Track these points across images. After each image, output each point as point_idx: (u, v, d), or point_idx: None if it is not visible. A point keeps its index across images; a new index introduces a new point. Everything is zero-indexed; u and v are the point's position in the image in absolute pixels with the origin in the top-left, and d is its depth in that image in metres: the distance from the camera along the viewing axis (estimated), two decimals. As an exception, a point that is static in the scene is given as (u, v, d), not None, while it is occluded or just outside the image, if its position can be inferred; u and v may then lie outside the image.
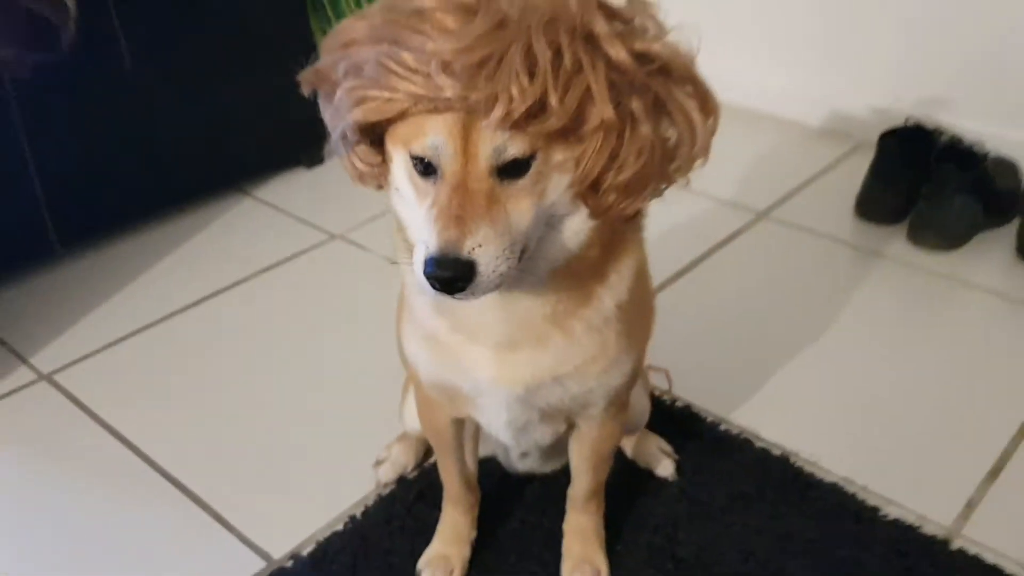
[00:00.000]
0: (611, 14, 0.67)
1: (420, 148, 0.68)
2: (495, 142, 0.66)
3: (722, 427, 1.28)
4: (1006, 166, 1.80)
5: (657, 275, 1.59)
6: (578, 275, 0.79)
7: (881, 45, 1.99)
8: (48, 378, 1.42)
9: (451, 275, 0.67)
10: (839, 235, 1.75)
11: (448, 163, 0.68)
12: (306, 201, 1.88)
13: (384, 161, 0.74)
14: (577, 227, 0.74)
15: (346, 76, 0.68)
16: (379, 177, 0.76)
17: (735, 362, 1.43)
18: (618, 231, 0.79)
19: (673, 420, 1.27)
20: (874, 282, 1.62)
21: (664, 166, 0.72)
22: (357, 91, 0.68)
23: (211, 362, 1.46)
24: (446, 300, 0.73)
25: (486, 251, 0.67)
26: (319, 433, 1.31)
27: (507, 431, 0.93)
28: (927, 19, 1.91)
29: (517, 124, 0.65)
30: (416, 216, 0.71)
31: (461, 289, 0.68)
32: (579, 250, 0.76)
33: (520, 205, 0.69)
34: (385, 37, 0.66)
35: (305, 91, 0.75)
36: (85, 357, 1.46)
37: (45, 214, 1.59)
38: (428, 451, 1.23)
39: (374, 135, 0.72)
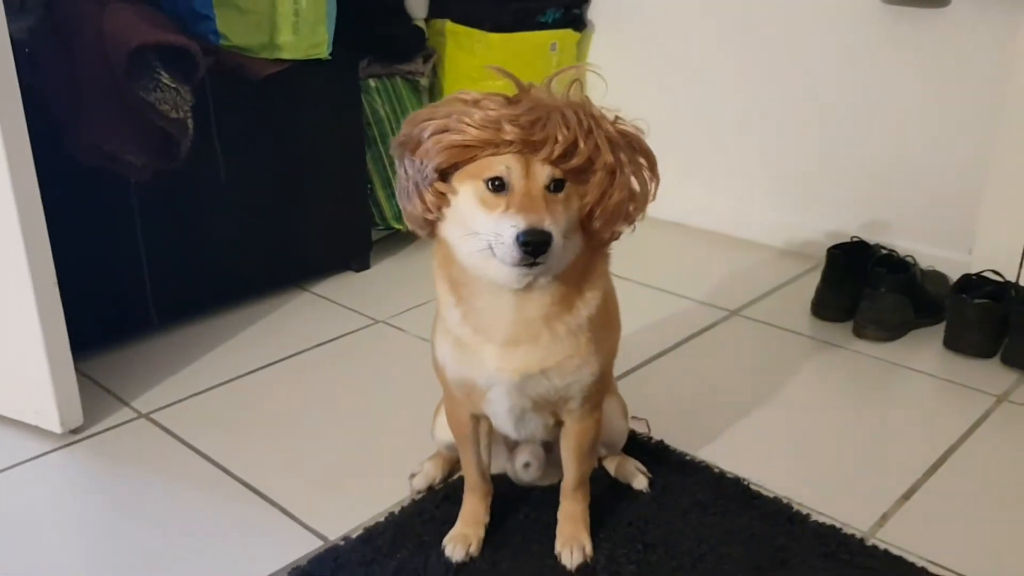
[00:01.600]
0: (598, 108, 1.10)
1: (496, 172, 1.07)
2: (546, 169, 1.06)
3: (688, 457, 1.59)
4: (937, 276, 2.17)
5: (646, 351, 1.97)
6: (566, 285, 1.16)
7: (836, 186, 2.41)
8: (146, 416, 1.76)
9: (540, 239, 1.04)
10: (797, 329, 2.10)
11: (517, 181, 1.07)
12: (354, 296, 2.26)
13: (445, 196, 1.11)
14: (573, 244, 1.13)
15: (432, 135, 1.08)
16: (436, 212, 1.12)
17: (704, 416, 1.74)
18: (592, 261, 1.17)
19: (649, 451, 1.59)
20: (824, 365, 1.96)
21: (630, 206, 1.12)
22: (442, 141, 1.07)
23: (280, 405, 1.80)
24: (488, 295, 1.14)
25: (554, 227, 1.05)
26: (367, 453, 1.64)
27: (509, 419, 1.26)
28: (873, 169, 2.33)
29: (555, 161, 1.06)
30: (486, 221, 1.07)
31: (543, 252, 1.04)
32: (571, 262, 1.13)
33: (559, 209, 1.08)
34: (452, 113, 1.08)
35: (394, 153, 1.14)
36: (176, 402, 1.80)
37: (149, 292, 1.98)
38: (452, 469, 1.54)
39: (445, 177, 1.11)
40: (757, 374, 1.92)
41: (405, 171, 1.13)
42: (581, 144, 1.06)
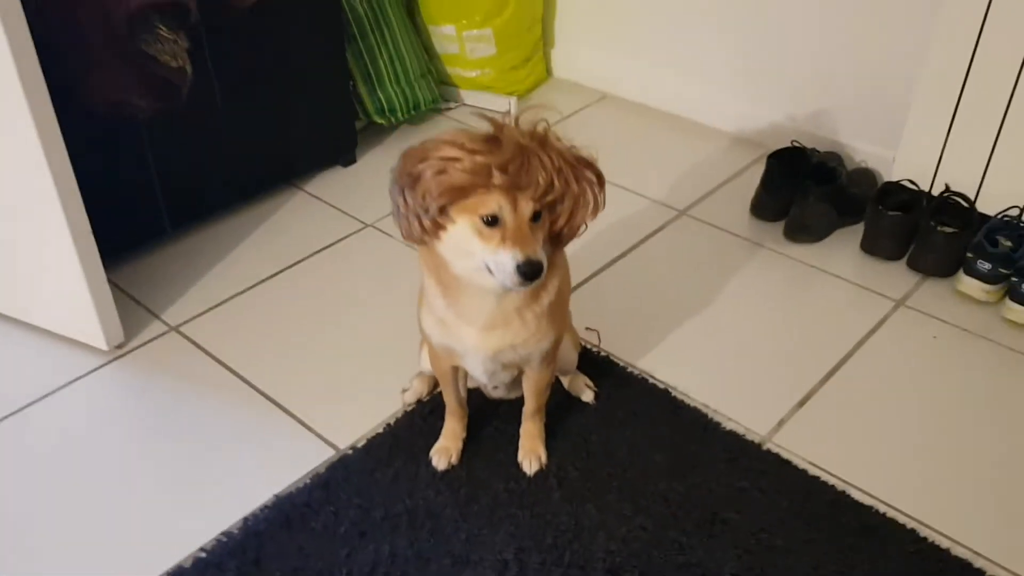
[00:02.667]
0: (557, 138, 1.34)
1: (491, 210, 1.30)
2: (530, 205, 1.31)
3: (629, 369, 1.93)
4: (865, 175, 2.43)
5: (599, 259, 2.25)
6: None
7: (784, 79, 2.60)
8: (175, 329, 2.06)
9: (537, 269, 1.30)
10: (737, 231, 2.37)
11: (508, 216, 1.30)
12: (344, 194, 2.50)
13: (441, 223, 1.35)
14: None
15: (434, 175, 1.30)
16: (432, 234, 1.36)
17: (645, 325, 2.06)
18: (553, 256, 1.44)
19: (597, 364, 1.93)
20: (756, 268, 2.24)
21: (588, 219, 1.39)
22: (443, 184, 1.29)
23: (287, 315, 2.10)
24: (476, 298, 1.41)
25: (542, 257, 1.32)
26: (365, 369, 1.95)
27: (483, 375, 1.59)
28: (817, 65, 2.51)
29: (535, 197, 1.31)
30: (483, 249, 1.30)
31: (537, 276, 1.31)
32: None
33: (540, 235, 1.34)
34: (445, 156, 1.29)
35: (392, 182, 1.36)
36: (198, 314, 2.09)
37: (161, 204, 2.22)
38: (436, 384, 1.88)
39: (444, 210, 1.33)
40: (696, 280, 2.21)
41: (404, 200, 1.35)
42: (556, 183, 1.31)
